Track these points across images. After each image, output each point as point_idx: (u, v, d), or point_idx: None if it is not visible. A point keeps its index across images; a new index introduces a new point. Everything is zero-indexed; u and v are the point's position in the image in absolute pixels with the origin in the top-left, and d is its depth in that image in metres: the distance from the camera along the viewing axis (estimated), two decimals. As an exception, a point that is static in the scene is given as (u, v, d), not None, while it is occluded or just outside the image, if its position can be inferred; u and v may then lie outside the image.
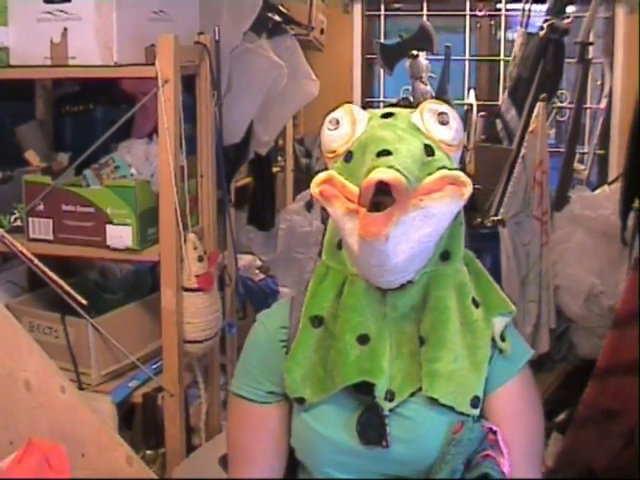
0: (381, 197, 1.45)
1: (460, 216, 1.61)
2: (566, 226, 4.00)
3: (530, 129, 3.79)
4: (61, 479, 2.01)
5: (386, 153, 1.46)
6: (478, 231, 3.63)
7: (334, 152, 1.58)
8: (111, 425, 2.50)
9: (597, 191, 4.30)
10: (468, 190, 1.51)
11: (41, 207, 2.71)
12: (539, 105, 3.81)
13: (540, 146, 3.77)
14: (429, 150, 1.52)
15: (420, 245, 1.50)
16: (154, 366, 2.82)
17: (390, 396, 1.57)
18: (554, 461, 3.33)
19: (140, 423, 2.82)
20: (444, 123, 1.54)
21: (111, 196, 2.61)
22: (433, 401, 1.57)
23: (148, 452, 2.72)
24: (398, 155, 1.46)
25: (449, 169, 1.52)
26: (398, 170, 1.42)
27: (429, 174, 1.49)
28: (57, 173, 2.78)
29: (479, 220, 3.67)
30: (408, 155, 1.47)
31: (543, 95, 3.87)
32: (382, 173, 1.42)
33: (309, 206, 4.61)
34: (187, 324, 2.68)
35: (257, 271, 4.18)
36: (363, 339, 1.57)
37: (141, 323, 2.88)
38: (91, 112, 3.21)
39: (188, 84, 2.77)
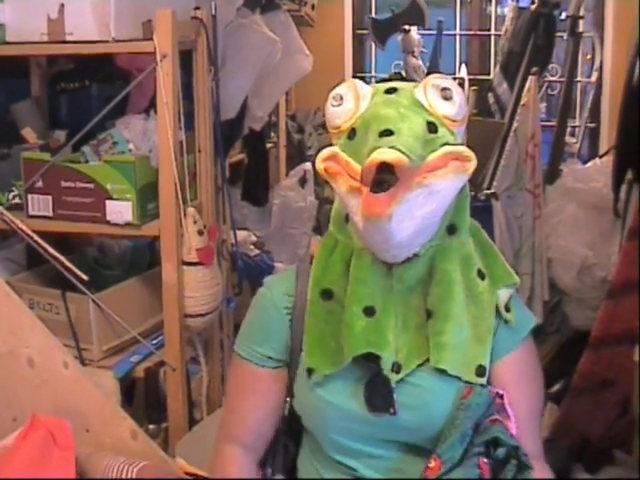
0: (384, 175, 1.47)
1: (465, 189, 1.62)
2: (558, 199, 4.01)
3: (522, 103, 3.78)
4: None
5: (388, 133, 1.47)
6: (471, 205, 3.64)
7: (338, 128, 1.59)
8: (114, 400, 2.51)
9: (588, 164, 4.30)
10: (472, 164, 1.53)
11: (40, 184, 2.71)
12: (531, 79, 3.80)
13: (532, 120, 3.76)
14: (432, 127, 1.53)
15: (424, 221, 1.53)
16: (155, 341, 2.83)
17: (397, 368, 1.59)
18: (550, 431, 3.35)
19: (142, 398, 2.83)
20: (447, 98, 1.54)
21: (111, 172, 2.61)
22: (441, 371, 1.59)
23: (151, 427, 2.72)
24: (400, 134, 1.47)
25: (452, 145, 1.53)
26: (400, 150, 1.44)
27: (432, 151, 1.51)
28: (55, 150, 2.77)
29: (472, 194, 3.68)
30: (410, 134, 1.48)
31: (535, 69, 3.86)
32: (384, 154, 1.45)
33: (303, 182, 4.61)
34: (188, 298, 2.69)
35: (252, 247, 4.19)
36: (369, 311, 1.59)
37: (141, 298, 2.89)
38: (86, 89, 3.21)
39: (184, 60, 2.75)
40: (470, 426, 1.52)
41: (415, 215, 1.50)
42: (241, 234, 4.02)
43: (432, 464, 1.51)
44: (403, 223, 1.49)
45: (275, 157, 4.92)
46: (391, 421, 1.59)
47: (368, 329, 1.59)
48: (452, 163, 1.52)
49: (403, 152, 1.44)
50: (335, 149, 1.57)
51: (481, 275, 1.64)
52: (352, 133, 1.56)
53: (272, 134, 4.90)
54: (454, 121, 1.55)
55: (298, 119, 5.14)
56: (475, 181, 3.75)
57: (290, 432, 1.76)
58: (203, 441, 2.38)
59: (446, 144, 1.52)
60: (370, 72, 5.73)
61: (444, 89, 1.55)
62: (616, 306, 3.27)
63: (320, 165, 1.59)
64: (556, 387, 3.77)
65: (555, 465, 3.03)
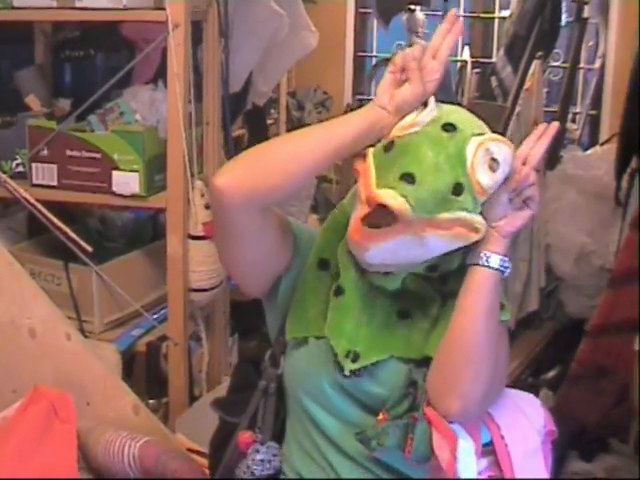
0: (385, 211, 1.47)
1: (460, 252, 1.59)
2: (558, 185, 3.99)
3: (525, 87, 3.77)
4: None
5: (410, 180, 1.46)
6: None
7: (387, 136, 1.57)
8: (117, 373, 2.49)
9: (589, 151, 4.30)
10: (476, 237, 1.50)
11: (45, 152, 2.66)
12: (535, 63, 3.79)
13: (535, 104, 3.77)
14: (458, 189, 1.48)
15: (406, 260, 1.54)
16: (157, 315, 2.81)
17: (353, 357, 1.60)
18: None
19: (143, 372, 2.81)
20: (492, 170, 1.48)
21: (118, 142, 2.57)
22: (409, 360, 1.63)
23: (151, 402, 2.69)
24: (420, 187, 1.46)
25: (469, 212, 1.49)
26: (409, 202, 1.44)
27: (446, 210, 1.48)
28: (60, 118, 2.73)
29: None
30: (431, 188, 1.46)
31: (540, 53, 3.86)
32: (390, 198, 1.45)
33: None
34: (192, 272, 2.66)
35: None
36: (337, 290, 1.63)
37: (144, 271, 2.86)
38: (91, 58, 3.16)
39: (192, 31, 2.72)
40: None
41: (397, 255, 1.51)
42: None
43: (381, 416, 1.57)
44: (380, 256, 1.52)
45: (275, 134, 4.88)
46: (357, 385, 1.62)
47: (333, 308, 1.63)
48: (457, 229, 1.49)
49: (411, 204, 1.44)
50: (370, 150, 1.55)
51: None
52: (390, 145, 1.53)
53: (272, 111, 4.87)
54: (485, 192, 1.49)
55: (298, 96, 5.10)
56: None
57: (282, 395, 1.75)
58: (203, 418, 2.35)
59: (463, 210, 1.49)
60: (371, 51, 5.69)
61: (494, 160, 1.48)
62: (617, 295, 3.26)
63: (354, 160, 1.58)
64: (551, 374, 3.78)
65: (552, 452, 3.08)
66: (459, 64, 4.92)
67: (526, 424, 1.73)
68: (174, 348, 2.68)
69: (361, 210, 1.51)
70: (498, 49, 4.70)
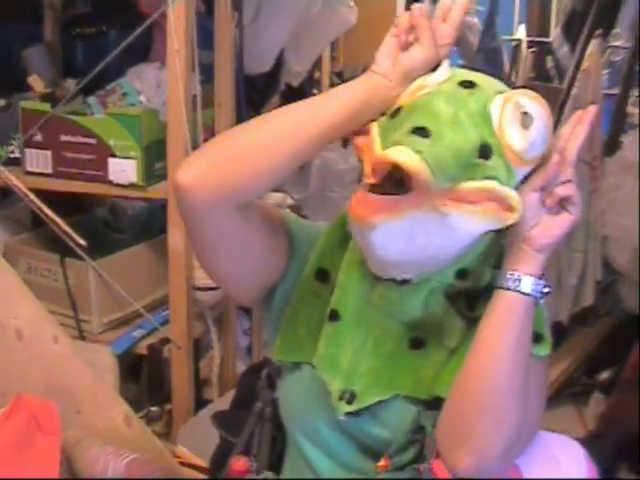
0: (398, 178, 1.20)
1: (501, 237, 1.29)
2: (617, 173, 3.78)
3: (583, 67, 3.59)
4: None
5: (424, 133, 1.17)
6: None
7: None
8: (111, 380, 2.40)
9: (651, 136, 4.06)
10: (512, 217, 1.20)
11: (39, 137, 2.49)
12: (593, 42, 3.59)
13: (593, 86, 3.57)
14: (485, 152, 1.20)
15: (425, 252, 1.23)
16: (161, 314, 2.64)
17: (349, 397, 1.35)
18: (596, 424, 3.24)
19: (145, 377, 2.67)
20: (525, 127, 1.20)
21: (114, 126, 2.38)
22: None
23: (152, 409, 2.59)
24: (438, 141, 1.17)
25: (502, 183, 1.21)
26: (425, 159, 1.15)
27: (471, 179, 1.20)
28: (59, 100, 2.55)
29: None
30: (451, 146, 1.17)
31: (599, 31, 3.66)
32: (401, 155, 1.15)
33: (345, 142, 4.38)
34: (198, 269, 2.45)
35: (288, 210, 3.98)
36: (333, 315, 1.36)
37: (148, 267, 2.69)
38: (104, 35, 3.01)
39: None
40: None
41: (413, 239, 1.21)
42: (276, 196, 3.83)
43: (382, 463, 1.35)
44: (392, 242, 1.21)
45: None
46: (357, 425, 1.38)
47: (327, 336, 1.37)
48: (489, 204, 1.20)
49: (428, 163, 1.15)
50: (373, 124, 1.27)
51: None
52: (397, 111, 1.25)
53: (315, 91, 4.66)
54: (520, 158, 1.21)
55: (345, 76, 4.94)
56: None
57: (278, 422, 1.52)
58: (208, 428, 2.18)
59: (494, 179, 1.20)
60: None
61: (526, 114, 1.20)
62: None
63: (355, 136, 1.29)
64: (604, 375, 3.62)
65: (600, 464, 2.88)
66: (514, 43, 4.71)
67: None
68: (177, 352, 2.52)
69: (365, 184, 1.23)
70: (555, 27, 4.49)
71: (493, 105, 1.21)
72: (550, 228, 1.19)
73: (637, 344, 3.16)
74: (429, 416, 1.32)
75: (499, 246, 1.28)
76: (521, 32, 4.63)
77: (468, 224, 1.20)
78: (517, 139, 1.19)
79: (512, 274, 1.20)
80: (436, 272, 1.28)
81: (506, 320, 1.21)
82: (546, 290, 1.21)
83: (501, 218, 1.20)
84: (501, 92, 1.23)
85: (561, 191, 1.18)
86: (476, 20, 4.54)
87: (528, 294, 1.20)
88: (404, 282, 1.29)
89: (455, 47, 3.91)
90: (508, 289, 1.20)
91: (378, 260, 1.26)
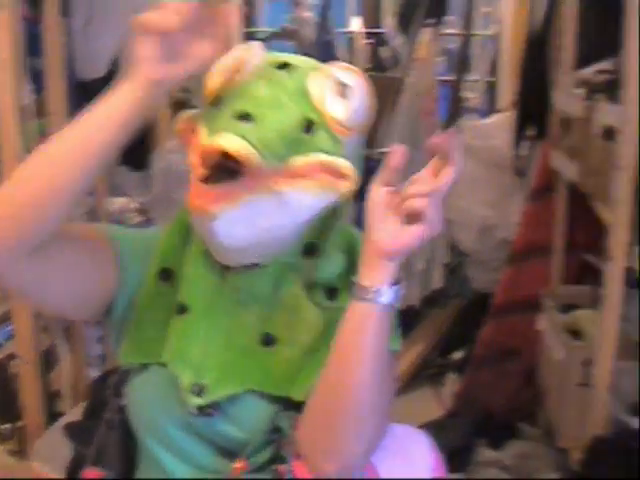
0: (229, 165, 1.19)
1: (340, 209, 1.30)
2: (457, 157, 3.85)
3: (417, 56, 3.65)
4: None
5: (246, 117, 1.19)
6: (366, 165, 3.48)
7: (208, 91, 1.26)
8: None
9: (487, 120, 4.16)
10: (348, 185, 1.22)
11: None
12: (426, 31, 3.68)
13: (428, 73, 3.66)
14: (309, 126, 1.22)
15: (267, 233, 1.24)
16: (5, 330, 2.58)
17: (199, 390, 1.33)
18: (452, 403, 3.34)
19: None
20: (344, 97, 1.23)
21: None
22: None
23: (3, 426, 2.51)
24: (262, 124, 1.19)
25: (331, 154, 1.23)
26: (251, 142, 1.17)
27: (300, 155, 1.22)
28: None
29: (366, 153, 3.53)
30: (276, 127, 1.20)
31: (431, 20, 3.79)
32: (228, 141, 1.16)
33: (187, 145, 4.35)
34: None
35: (134, 214, 3.92)
36: (181, 308, 1.34)
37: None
38: None
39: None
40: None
41: (255, 224, 1.22)
42: (120, 201, 3.78)
43: (238, 464, 1.32)
44: (235, 229, 1.22)
45: (156, 117, 4.63)
46: (209, 425, 1.35)
47: (176, 330, 1.34)
48: (322, 176, 1.22)
49: (254, 145, 1.16)
50: (192, 113, 1.27)
51: (333, 295, 1.35)
52: (217, 100, 1.24)
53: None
54: (344, 127, 1.23)
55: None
56: (370, 140, 3.58)
57: (130, 429, 1.46)
58: (62, 441, 2.14)
59: (322, 151, 1.22)
60: (260, 27, 5.45)
61: (343, 85, 1.23)
62: (518, 272, 3.20)
63: (177, 128, 1.29)
64: (457, 355, 3.70)
65: (457, 441, 2.96)
66: (349, 35, 4.76)
67: (411, 469, 1.50)
68: (24, 366, 2.46)
69: (197, 175, 1.22)
70: (389, 18, 4.56)
71: (310, 81, 1.23)
72: (400, 236, 1.14)
73: (486, 322, 3.26)
74: (286, 417, 1.31)
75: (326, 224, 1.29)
76: (355, 24, 4.67)
77: (305, 198, 1.22)
78: (338, 109, 1.22)
79: (365, 285, 1.18)
80: (283, 251, 1.29)
81: (364, 332, 1.20)
82: (400, 293, 1.19)
83: (336, 188, 1.22)
84: (316, 68, 1.25)
85: (412, 203, 1.12)
86: (311, 14, 4.57)
87: (383, 304, 1.18)
88: (253, 266, 1.29)
89: (290, 41, 3.94)
90: (363, 300, 1.18)
91: (223, 249, 1.26)
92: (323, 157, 1.22)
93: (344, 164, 1.21)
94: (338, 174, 1.21)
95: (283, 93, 1.22)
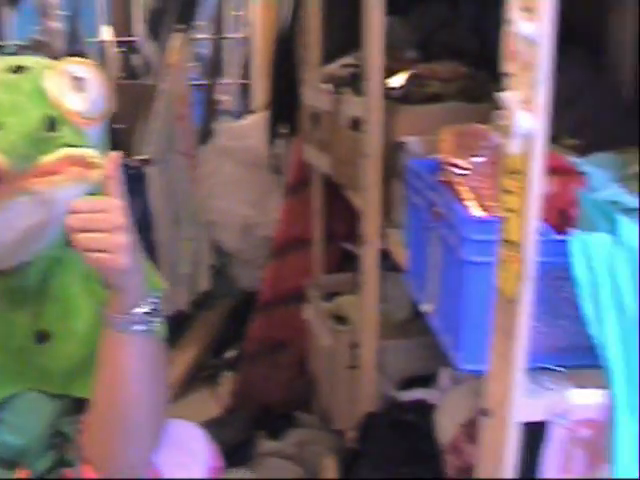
0: None
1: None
2: (214, 159, 3.90)
3: (169, 62, 3.65)
4: None
5: None
6: (124, 172, 3.45)
7: None
8: None
9: (241, 121, 4.22)
10: (97, 172, 1.25)
11: None
12: (176, 36, 3.69)
13: (180, 79, 3.67)
14: (51, 124, 1.26)
15: (31, 232, 1.26)
16: None
17: None
18: (229, 401, 3.32)
19: None
20: (80, 90, 1.27)
21: None
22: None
23: None
24: (6, 132, 1.21)
25: (76, 147, 1.26)
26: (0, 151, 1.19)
27: (48, 152, 1.25)
28: None
29: (123, 161, 3.49)
30: (17, 129, 1.22)
31: (180, 26, 3.77)
32: None
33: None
34: None
35: None
36: None
37: None
38: None
39: None
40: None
41: (16, 226, 1.24)
42: None
43: (20, 474, 1.34)
44: None
45: None
46: None
47: None
48: (72, 169, 1.25)
49: (5, 152, 1.19)
50: None
51: None
52: None
53: None
54: (85, 118, 1.28)
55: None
56: (126, 148, 3.55)
57: None
58: None
59: (68, 145, 1.26)
60: (7, 39, 5.27)
61: (77, 78, 1.27)
62: (281, 266, 3.24)
63: None
64: (230, 353, 3.72)
65: (238, 436, 2.98)
66: (100, 45, 4.69)
67: (191, 463, 1.53)
68: None
69: None
70: (139, 26, 4.53)
71: (45, 80, 1.27)
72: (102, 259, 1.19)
73: (254, 318, 3.29)
74: (70, 422, 1.34)
75: None
76: (106, 33, 4.60)
77: (60, 193, 1.24)
78: (76, 103, 1.27)
79: (115, 316, 1.23)
80: (48, 245, 1.31)
81: (120, 358, 1.25)
82: (154, 307, 1.25)
83: (87, 177, 1.24)
84: (49, 67, 1.29)
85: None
86: (60, 24, 4.47)
87: (143, 330, 1.24)
88: (22, 265, 1.31)
89: (40, 53, 3.84)
90: (120, 331, 1.24)
91: None
92: (70, 151, 1.25)
93: (91, 154, 1.25)
94: (87, 164, 1.25)
95: (21, 96, 1.25)
